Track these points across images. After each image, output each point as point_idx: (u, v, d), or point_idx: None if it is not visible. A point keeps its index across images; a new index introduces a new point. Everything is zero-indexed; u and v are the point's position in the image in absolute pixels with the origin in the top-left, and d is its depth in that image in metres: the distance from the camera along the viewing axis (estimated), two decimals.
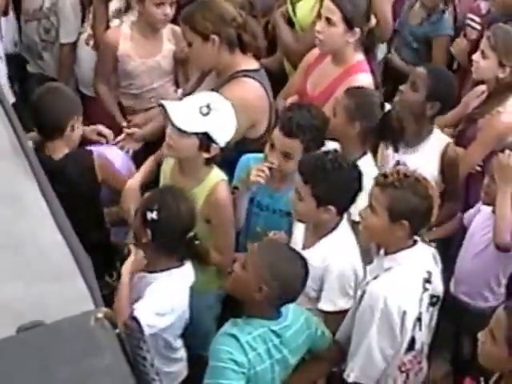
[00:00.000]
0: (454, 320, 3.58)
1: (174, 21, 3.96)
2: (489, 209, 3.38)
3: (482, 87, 3.82)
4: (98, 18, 4.24)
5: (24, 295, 1.66)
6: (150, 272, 2.90)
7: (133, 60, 3.89)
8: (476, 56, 3.73)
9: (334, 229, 2.98)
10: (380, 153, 3.72)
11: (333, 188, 2.87)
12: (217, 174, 3.09)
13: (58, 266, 1.76)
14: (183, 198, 2.91)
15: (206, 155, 2.98)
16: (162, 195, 2.91)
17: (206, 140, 2.95)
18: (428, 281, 2.91)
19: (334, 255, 2.96)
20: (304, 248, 3.02)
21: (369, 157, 3.38)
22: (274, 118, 3.42)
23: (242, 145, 3.25)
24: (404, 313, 2.79)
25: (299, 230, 3.13)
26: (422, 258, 2.91)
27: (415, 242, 2.88)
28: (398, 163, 3.63)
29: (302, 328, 2.79)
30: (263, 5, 4.40)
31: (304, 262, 2.71)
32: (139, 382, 1.59)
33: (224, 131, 2.98)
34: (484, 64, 3.68)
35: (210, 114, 2.93)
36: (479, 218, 3.47)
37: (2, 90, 2.64)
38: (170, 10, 3.77)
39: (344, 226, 2.99)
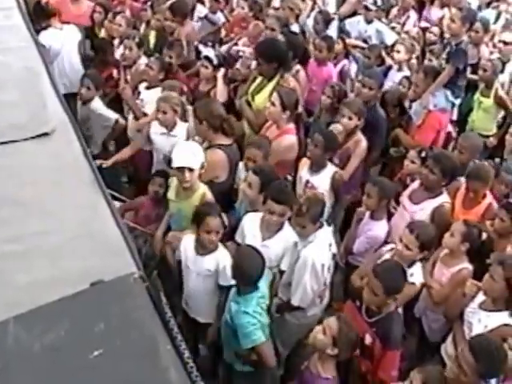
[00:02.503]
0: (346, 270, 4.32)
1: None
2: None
3: None
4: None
5: (95, 264, 2.00)
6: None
7: None
8: None
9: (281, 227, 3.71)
10: (298, 176, 4.59)
11: None
12: (202, 186, 3.97)
13: (116, 246, 2.12)
14: None
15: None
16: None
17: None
18: (330, 245, 3.79)
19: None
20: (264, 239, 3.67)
21: None
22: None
23: (211, 185, 4.13)
24: (323, 265, 3.64)
25: (254, 223, 3.79)
26: (327, 234, 3.75)
27: (322, 225, 3.74)
28: (307, 182, 4.47)
29: (266, 284, 3.52)
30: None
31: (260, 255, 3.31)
32: (163, 323, 1.85)
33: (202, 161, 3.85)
34: None
35: (196, 154, 3.89)
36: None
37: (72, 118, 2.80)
38: None
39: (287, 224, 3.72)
